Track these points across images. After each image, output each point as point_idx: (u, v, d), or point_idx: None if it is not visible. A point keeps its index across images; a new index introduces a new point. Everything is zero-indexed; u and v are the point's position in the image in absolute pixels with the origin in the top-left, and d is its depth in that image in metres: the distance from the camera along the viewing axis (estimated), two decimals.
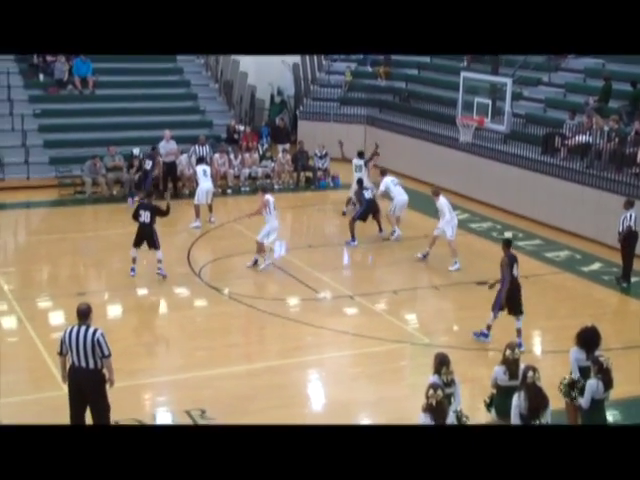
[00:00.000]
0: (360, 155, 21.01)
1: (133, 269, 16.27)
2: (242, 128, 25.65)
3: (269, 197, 16.94)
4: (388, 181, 19.34)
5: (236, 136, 25.27)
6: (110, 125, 24.56)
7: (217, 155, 23.34)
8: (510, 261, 13.18)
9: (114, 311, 14.91)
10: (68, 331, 9.56)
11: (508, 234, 18.40)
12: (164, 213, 16.30)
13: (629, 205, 16.34)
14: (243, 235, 19.51)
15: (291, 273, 16.79)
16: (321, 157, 24.66)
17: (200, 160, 20.93)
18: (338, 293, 15.90)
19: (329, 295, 15.86)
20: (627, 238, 16.25)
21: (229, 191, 23.12)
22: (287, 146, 25.75)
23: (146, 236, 16.04)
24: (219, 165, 23.28)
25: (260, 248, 16.86)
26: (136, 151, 22.98)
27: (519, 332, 13.22)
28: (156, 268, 16.25)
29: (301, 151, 24.69)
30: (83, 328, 9.47)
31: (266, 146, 25.38)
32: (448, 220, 17.12)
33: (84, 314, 9.55)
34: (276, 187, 23.36)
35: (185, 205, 21.70)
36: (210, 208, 20.02)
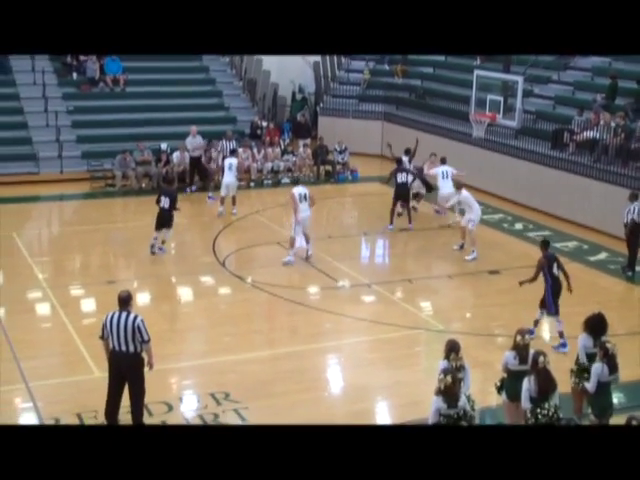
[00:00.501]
0: (407, 152, 20.81)
1: (161, 248, 16.84)
2: (265, 124, 25.66)
3: (294, 190, 16.83)
4: (467, 194, 17.49)
5: (259, 131, 25.28)
6: (139, 121, 24.64)
7: (241, 149, 23.30)
8: (549, 261, 12.90)
9: (143, 299, 14.98)
10: (110, 317, 9.56)
11: (542, 236, 18.34)
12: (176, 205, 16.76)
13: (634, 197, 16.23)
14: (266, 226, 19.58)
15: (311, 262, 16.81)
16: (340, 152, 24.62)
17: (232, 152, 21.12)
18: (356, 282, 15.91)
19: (348, 284, 15.87)
20: (633, 230, 16.15)
21: (252, 184, 23.13)
22: (308, 141, 25.72)
23: (164, 221, 16.57)
24: (243, 159, 23.28)
25: (292, 242, 16.73)
26: (164, 146, 23.06)
27: (536, 323, 13.12)
28: (160, 251, 16.86)
29: (321, 146, 24.64)
30: (124, 314, 9.49)
31: (288, 141, 25.43)
32: (475, 210, 17.09)
33: (125, 301, 9.55)
34: (299, 180, 23.35)
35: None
36: (233, 200, 19.99)
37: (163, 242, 16.93)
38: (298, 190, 16.79)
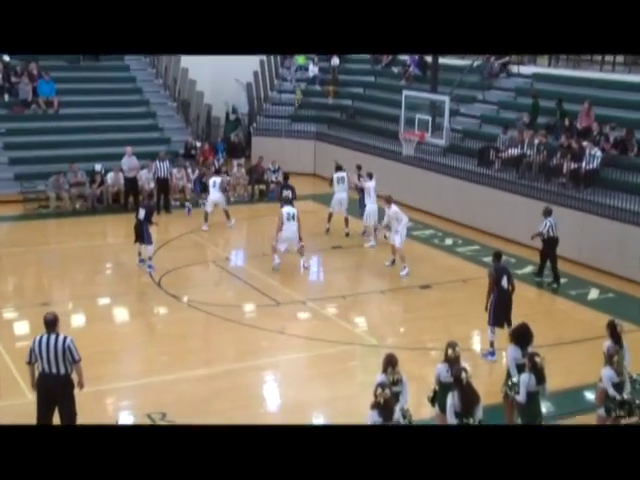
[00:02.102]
0: (339, 169, 20.81)
1: (150, 265, 16.93)
2: (199, 144, 25.51)
3: (283, 210, 17.39)
4: (396, 209, 17.49)
5: (193, 152, 25.12)
6: (73, 142, 24.17)
7: (175, 170, 23.13)
8: (498, 273, 12.92)
9: (78, 320, 14.62)
10: (37, 340, 9.40)
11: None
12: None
13: (547, 214, 16.58)
14: (201, 245, 19.38)
15: (246, 280, 16.73)
16: (274, 171, 24.57)
17: (217, 172, 21.97)
18: (291, 299, 15.86)
19: (282, 301, 15.79)
20: (549, 244, 16.49)
21: (187, 204, 22.90)
22: (242, 161, 25.66)
23: (139, 232, 16.90)
24: (177, 179, 23.07)
25: (274, 249, 17.31)
26: (98, 167, 22.72)
27: (492, 343, 13.00)
28: (141, 263, 17.05)
29: (258, 166, 24.61)
30: (53, 336, 9.35)
31: (222, 161, 25.27)
32: (403, 225, 17.08)
33: (51, 323, 9.41)
34: (232, 199, 23.21)
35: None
36: (226, 214, 20.59)
37: (150, 258, 16.82)
38: (287, 210, 17.33)
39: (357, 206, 20.25)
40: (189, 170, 23.70)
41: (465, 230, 20.88)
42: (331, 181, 20.57)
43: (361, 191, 20.09)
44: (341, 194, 20.19)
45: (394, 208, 17.19)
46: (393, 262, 17.48)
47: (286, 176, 21.67)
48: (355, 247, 19.34)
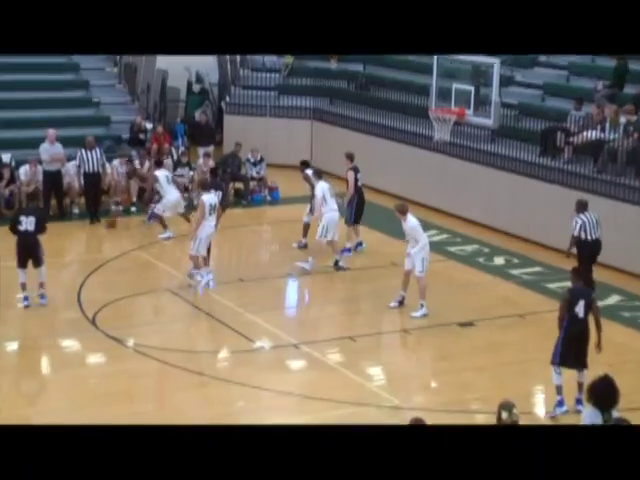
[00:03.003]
0: (306, 164, 21.00)
1: (26, 298, 16.64)
2: (150, 126, 25.60)
3: (205, 198, 17.77)
4: (325, 187, 19.14)
5: (142, 136, 25.21)
6: None
7: (116, 162, 23.18)
8: (573, 296, 13.09)
9: None
10: None
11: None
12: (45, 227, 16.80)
13: (581, 208, 17.13)
14: (152, 267, 19.36)
15: (217, 316, 16.72)
16: (255, 163, 24.63)
17: (158, 164, 21.84)
18: (278, 341, 15.87)
19: (267, 344, 15.82)
20: (582, 249, 17.11)
21: (133, 209, 22.96)
22: (210, 149, 25.73)
23: (29, 248, 16.38)
24: (119, 175, 23.14)
25: (197, 262, 17.63)
26: (6, 157, 22.74)
27: (580, 386, 13.13)
28: (37, 293, 16.69)
29: (234, 156, 24.70)
30: None
31: (182, 149, 25.35)
32: (422, 247, 17.00)
33: None
34: (196, 203, 23.22)
35: (75, 228, 21.55)
36: (187, 219, 20.95)
37: (42, 285, 16.68)
38: (209, 198, 17.66)
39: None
40: (136, 162, 23.74)
41: (522, 245, 20.91)
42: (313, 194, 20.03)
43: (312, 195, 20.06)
44: (335, 212, 19.33)
45: (412, 221, 17.02)
46: (402, 302, 17.22)
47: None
48: (367, 268, 19.39)
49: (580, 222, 16.94)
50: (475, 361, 15.15)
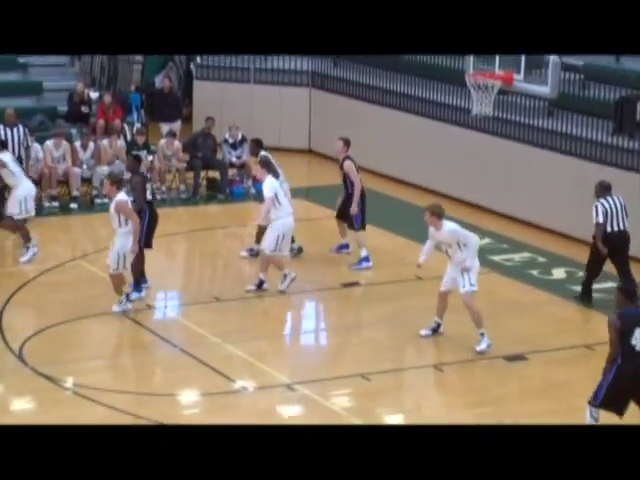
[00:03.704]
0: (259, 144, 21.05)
1: None
2: (95, 95, 25.76)
3: (123, 198, 17.31)
4: (275, 184, 18.94)
5: (85, 109, 25.34)
6: None
7: (50, 142, 23.25)
8: (625, 324, 13.05)
9: None
10: None
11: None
12: None
13: (602, 191, 17.76)
14: (97, 281, 19.28)
15: (184, 347, 16.76)
16: (234, 145, 24.63)
17: (1, 145, 20.84)
18: (267, 380, 15.89)
19: (251, 384, 15.82)
20: (604, 240, 17.69)
21: (74, 205, 22.96)
22: (177, 125, 25.95)
23: None
24: (54, 160, 23.19)
25: (118, 282, 17.56)
26: None
27: None
28: None
29: (205, 135, 24.79)
30: None
31: (138, 126, 25.38)
32: (472, 254, 16.77)
33: None
34: (158, 197, 23.21)
35: None
36: (23, 232, 20.05)
37: None
38: (123, 197, 17.44)
39: None
40: (77, 144, 23.79)
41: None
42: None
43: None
44: (291, 217, 19.36)
45: (449, 225, 16.86)
46: (436, 329, 17.21)
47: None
48: (384, 284, 19.49)
49: (601, 208, 17.18)
50: (526, 407, 15.03)
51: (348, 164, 20.15)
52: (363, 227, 20.34)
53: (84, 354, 16.81)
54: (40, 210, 22.31)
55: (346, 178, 20.29)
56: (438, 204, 17.31)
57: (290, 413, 15.34)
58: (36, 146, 23.10)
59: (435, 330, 17.16)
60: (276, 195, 18.75)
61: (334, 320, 18.76)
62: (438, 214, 16.70)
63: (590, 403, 13.23)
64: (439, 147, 24.24)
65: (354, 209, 20.00)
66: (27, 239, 19.76)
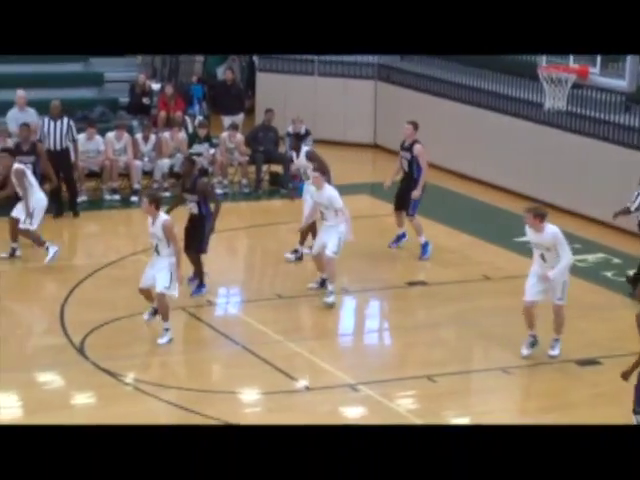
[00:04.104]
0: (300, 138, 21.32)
1: None
2: (157, 86, 25.91)
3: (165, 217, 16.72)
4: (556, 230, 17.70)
5: (147, 101, 25.48)
6: None
7: (112, 134, 23.34)
8: None
9: None
10: None
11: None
12: None
13: None
14: None
15: (245, 344, 16.75)
16: (298, 136, 24.45)
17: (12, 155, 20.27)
18: (330, 380, 15.84)
19: (314, 383, 15.73)
20: None
21: (134, 198, 23.00)
22: (239, 118, 25.98)
23: None
24: (115, 152, 23.30)
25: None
26: None
27: None
28: None
29: (266, 128, 24.81)
30: None
31: (200, 119, 25.49)
32: (564, 267, 16.26)
33: None
34: (219, 191, 23.23)
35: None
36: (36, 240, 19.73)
37: None
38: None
39: None
40: (138, 136, 23.90)
41: None
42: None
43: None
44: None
45: (552, 229, 16.48)
46: (533, 343, 16.64)
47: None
48: (450, 283, 19.46)
49: None
50: (598, 414, 14.81)
51: (420, 148, 20.10)
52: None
53: (145, 349, 16.87)
54: (101, 203, 22.72)
55: (412, 162, 20.19)
56: (540, 206, 17.14)
57: (353, 414, 15.26)
58: (80, 138, 23.03)
59: (533, 344, 16.66)
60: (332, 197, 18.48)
61: (398, 319, 18.68)
62: (541, 215, 16.41)
63: (635, 412, 13.22)
64: (508, 143, 24.15)
65: (418, 194, 19.97)
66: (40, 242, 19.48)
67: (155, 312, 16.84)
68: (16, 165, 19.49)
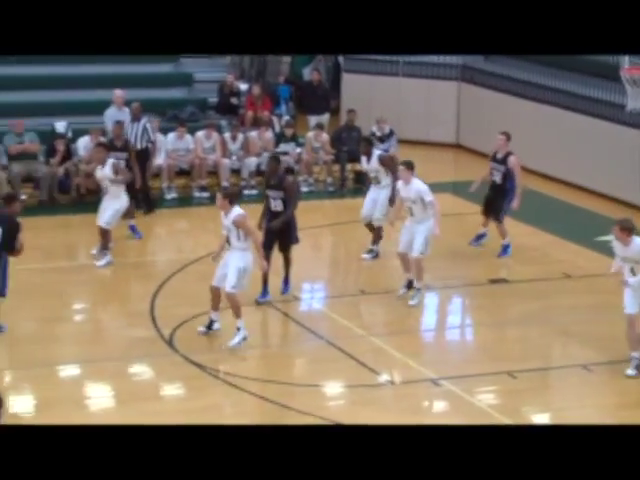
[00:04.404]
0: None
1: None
2: (245, 87, 26.01)
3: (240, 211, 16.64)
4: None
5: (235, 101, 25.61)
6: (16, 81, 24.67)
7: (201, 133, 23.62)
8: None
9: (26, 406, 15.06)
10: None
11: None
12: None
13: None
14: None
15: (329, 339, 16.90)
16: (382, 139, 24.76)
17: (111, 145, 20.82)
18: (412, 374, 15.98)
19: (396, 378, 15.94)
20: None
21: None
22: (325, 118, 26.13)
23: None
24: (205, 151, 23.59)
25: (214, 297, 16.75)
26: (61, 126, 23.29)
27: None
28: None
29: (349, 128, 24.87)
30: None
31: (287, 118, 25.62)
32: None
33: None
34: (305, 189, 23.56)
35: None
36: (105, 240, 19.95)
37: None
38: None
39: None
40: (226, 135, 24.10)
41: None
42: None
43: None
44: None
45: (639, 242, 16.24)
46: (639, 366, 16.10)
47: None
48: (532, 281, 19.48)
49: None
50: None
51: (514, 160, 20.20)
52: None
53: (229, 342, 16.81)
54: (190, 200, 22.99)
55: (507, 173, 20.25)
56: (629, 218, 16.36)
57: (435, 408, 15.46)
58: (161, 138, 23.41)
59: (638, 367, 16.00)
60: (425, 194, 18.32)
61: (480, 316, 18.78)
62: (629, 229, 15.75)
63: None
64: (590, 143, 24.09)
65: (517, 205, 20.17)
66: (106, 246, 19.61)
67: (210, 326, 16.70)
68: (112, 160, 19.67)
